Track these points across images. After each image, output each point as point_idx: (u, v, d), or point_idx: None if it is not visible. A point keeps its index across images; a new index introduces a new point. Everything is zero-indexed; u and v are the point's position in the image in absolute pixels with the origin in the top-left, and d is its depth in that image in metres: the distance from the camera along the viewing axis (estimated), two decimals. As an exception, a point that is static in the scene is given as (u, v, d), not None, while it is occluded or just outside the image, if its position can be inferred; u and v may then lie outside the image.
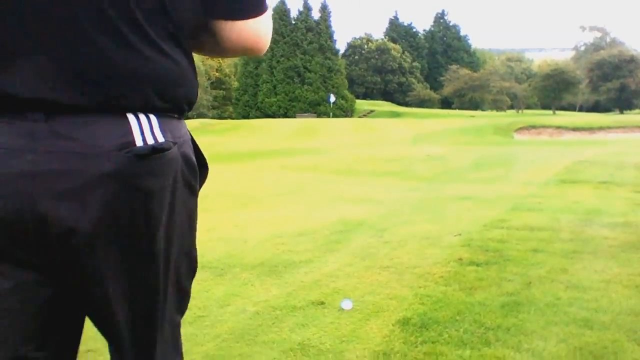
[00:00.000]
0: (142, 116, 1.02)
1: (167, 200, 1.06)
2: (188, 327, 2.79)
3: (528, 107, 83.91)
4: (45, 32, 0.96)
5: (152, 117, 1.03)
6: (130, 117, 1.00)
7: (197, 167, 1.17)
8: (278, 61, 77.57)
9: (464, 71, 79.64)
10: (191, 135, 1.17)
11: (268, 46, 1.31)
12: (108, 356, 1.16)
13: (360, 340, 2.56)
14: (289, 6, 79.85)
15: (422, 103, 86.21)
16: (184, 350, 2.28)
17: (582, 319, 2.71)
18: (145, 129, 1.01)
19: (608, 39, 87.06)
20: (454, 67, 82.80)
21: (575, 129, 24.65)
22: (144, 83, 1.03)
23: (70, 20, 0.96)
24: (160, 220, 1.05)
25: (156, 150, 1.00)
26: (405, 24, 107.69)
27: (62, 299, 1.07)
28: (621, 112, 63.95)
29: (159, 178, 1.03)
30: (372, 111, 74.80)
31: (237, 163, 16.08)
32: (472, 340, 2.49)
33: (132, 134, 0.99)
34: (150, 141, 1.01)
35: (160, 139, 1.02)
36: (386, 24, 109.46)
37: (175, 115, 1.12)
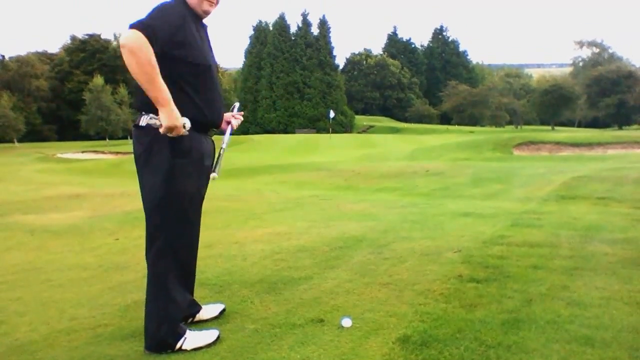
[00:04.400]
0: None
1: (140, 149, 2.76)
2: (187, 345, 2.78)
3: (527, 123, 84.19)
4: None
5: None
6: None
7: (168, 140, 2.65)
8: (277, 77, 77.91)
9: (463, 87, 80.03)
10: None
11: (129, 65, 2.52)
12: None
13: (360, 358, 2.55)
14: (288, 22, 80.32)
15: (421, 119, 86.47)
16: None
17: (583, 336, 2.69)
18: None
19: (606, 55, 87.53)
20: (452, 82, 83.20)
21: (574, 145, 24.67)
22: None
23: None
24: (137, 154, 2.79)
25: (136, 125, 2.75)
26: (404, 39, 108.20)
27: None
28: (620, 128, 64.14)
29: (139, 139, 2.74)
30: (371, 127, 75.01)
31: (236, 179, 16.08)
32: (473, 359, 2.48)
33: None
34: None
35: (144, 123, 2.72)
36: (385, 40, 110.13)
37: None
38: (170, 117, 2.54)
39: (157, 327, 2.76)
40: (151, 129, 2.66)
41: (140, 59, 2.43)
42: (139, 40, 2.43)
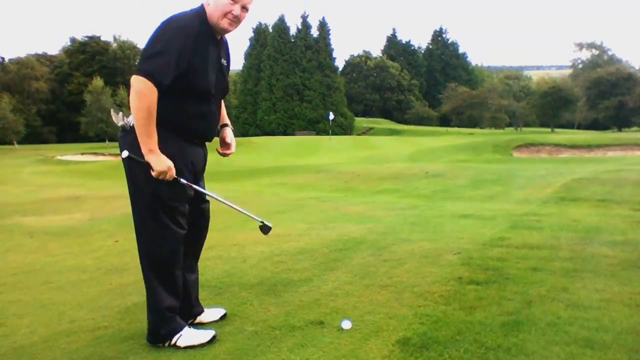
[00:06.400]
0: None
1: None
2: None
3: (526, 125, 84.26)
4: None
5: None
6: None
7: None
8: (277, 79, 77.91)
9: (463, 89, 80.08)
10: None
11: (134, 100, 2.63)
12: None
13: (360, 360, 2.54)
14: (288, 24, 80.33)
15: (420, 120, 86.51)
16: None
17: (583, 338, 2.69)
18: None
19: (605, 57, 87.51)
20: (452, 84, 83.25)
21: (573, 147, 24.70)
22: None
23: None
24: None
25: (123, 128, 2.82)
26: (404, 41, 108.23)
27: None
28: (619, 130, 64.19)
29: (120, 144, 2.80)
30: (371, 129, 75.01)
31: (236, 180, 16.08)
32: (473, 361, 2.47)
33: None
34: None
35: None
36: (384, 42, 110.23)
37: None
38: (159, 164, 2.65)
39: (150, 319, 2.84)
40: (128, 135, 2.75)
41: (142, 103, 2.59)
42: (146, 88, 2.58)
